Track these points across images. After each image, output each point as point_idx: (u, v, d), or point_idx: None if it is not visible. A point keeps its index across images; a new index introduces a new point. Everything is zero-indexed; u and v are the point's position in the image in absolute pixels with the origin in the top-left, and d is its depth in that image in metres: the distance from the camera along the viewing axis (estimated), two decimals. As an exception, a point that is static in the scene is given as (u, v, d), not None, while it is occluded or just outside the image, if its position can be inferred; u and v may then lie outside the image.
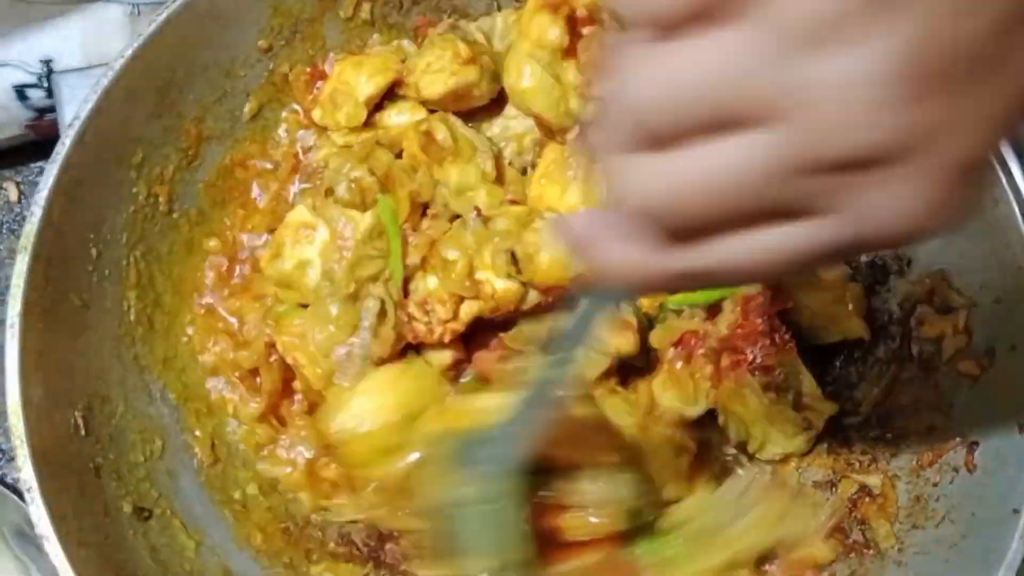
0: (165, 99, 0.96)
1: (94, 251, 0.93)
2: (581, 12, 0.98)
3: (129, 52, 0.91)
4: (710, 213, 0.48)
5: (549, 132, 1.04)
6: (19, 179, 1.32)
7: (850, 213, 0.47)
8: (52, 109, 1.21)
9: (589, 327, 0.67)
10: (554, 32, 0.97)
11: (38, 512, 0.81)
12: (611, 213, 0.52)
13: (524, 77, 0.99)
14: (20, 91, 1.20)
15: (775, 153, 0.46)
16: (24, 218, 1.27)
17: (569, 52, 0.98)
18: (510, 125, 1.07)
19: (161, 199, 0.98)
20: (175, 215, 1.00)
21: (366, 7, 1.04)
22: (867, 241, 0.49)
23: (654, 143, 0.48)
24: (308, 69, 1.04)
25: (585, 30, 0.98)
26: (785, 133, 0.45)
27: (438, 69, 1.01)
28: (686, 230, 0.49)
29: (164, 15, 0.92)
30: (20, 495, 1.14)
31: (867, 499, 0.97)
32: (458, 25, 1.05)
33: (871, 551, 0.95)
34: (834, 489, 1.00)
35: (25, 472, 0.82)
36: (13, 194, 1.31)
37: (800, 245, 0.49)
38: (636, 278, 0.53)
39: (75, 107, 0.90)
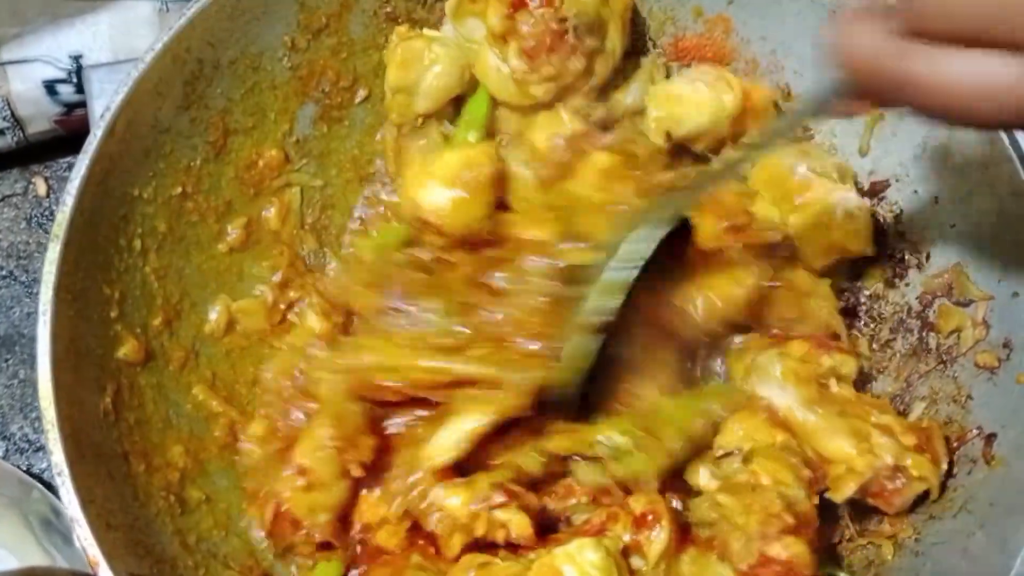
0: (193, 92, 0.97)
1: (123, 241, 0.94)
2: None
3: (159, 45, 0.92)
4: (963, 18, 0.54)
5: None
6: (48, 174, 1.33)
7: None
8: (81, 105, 1.23)
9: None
10: (493, 18, 0.97)
11: (68, 495, 0.83)
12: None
13: (484, 59, 1.01)
14: (50, 86, 1.22)
15: None
16: (53, 212, 1.30)
17: (506, 36, 0.97)
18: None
19: (189, 191, 0.99)
20: (203, 208, 1.01)
21: (391, 1, 1.05)
22: None
23: None
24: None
25: (538, 12, 0.95)
26: None
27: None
28: (927, 31, 0.56)
29: (193, 9, 0.93)
30: (48, 485, 1.15)
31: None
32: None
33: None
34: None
35: (56, 456, 0.83)
36: (42, 189, 1.33)
37: (1013, 85, 0.54)
38: (863, 61, 0.60)
39: (105, 101, 0.91)
